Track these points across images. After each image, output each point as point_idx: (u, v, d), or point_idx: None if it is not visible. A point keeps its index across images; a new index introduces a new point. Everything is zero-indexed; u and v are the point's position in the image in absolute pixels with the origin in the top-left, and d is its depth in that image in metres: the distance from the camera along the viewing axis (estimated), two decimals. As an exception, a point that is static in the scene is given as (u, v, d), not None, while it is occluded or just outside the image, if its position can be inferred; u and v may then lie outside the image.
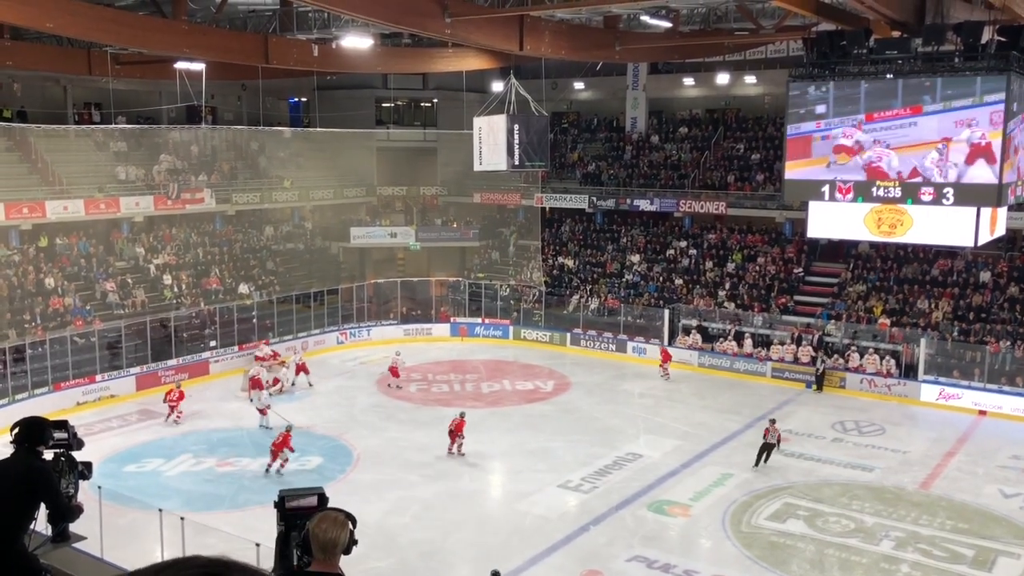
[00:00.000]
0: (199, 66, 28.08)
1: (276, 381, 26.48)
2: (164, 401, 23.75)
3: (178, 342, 28.50)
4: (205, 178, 35.95)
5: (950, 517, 17.72)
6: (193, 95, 29.06)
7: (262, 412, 23.39)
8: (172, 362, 27.85)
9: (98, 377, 25.93)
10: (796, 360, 28.39)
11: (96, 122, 34.64)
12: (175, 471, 20.36)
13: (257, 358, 27.93)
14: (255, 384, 24.81)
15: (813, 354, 28.05)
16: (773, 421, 21.10)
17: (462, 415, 21.39)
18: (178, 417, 23.52)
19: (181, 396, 23.79)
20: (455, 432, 21.09)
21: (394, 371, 27.42)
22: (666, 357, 28.63)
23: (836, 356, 28.04)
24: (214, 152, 38.04)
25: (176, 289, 32.01)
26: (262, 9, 25.56)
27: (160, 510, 14.27)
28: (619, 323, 32.53)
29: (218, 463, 20.78)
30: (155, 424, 23.71)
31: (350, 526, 3.71)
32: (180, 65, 27.82)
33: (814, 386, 27.29)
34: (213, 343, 29.47)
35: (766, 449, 20.53)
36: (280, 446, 19.83)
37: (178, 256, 33.65)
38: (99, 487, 14.70)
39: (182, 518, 13.84)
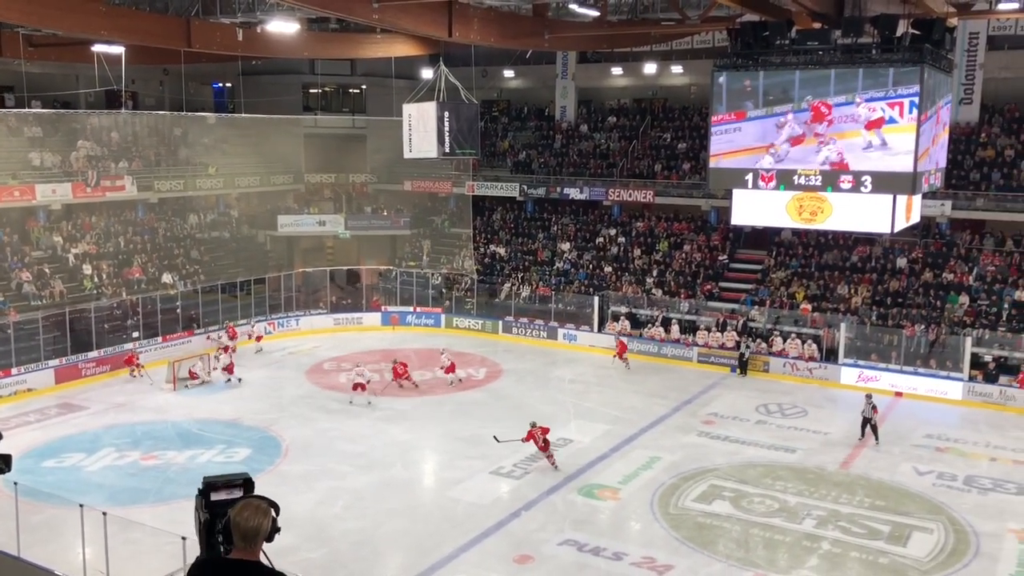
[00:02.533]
0: (118, 49, 27.23)
1: (193, 375, 26.19)
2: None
3: (99, 333, 27.71)
4: (126, 165, 34.94)
5: (868, 495, 18.35)
6: (112, 79, 28.17)
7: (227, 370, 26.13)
8: (93, 354, 27.07)
9: (13, 370, 25.05)
10: (722, 346, 28.99)
11: (9, 106, 33.32)
12: (97, 466, 19.82)
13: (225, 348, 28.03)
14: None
15: (737, 339, 28.69)
16: (869, 396, 22.04)
17: (533, 425, 19.66)
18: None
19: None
20: (544, 445, 19.44)
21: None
22: (623, 348, 28.43)
23: (760, 341, 28.73)
24: (135, 138, 36.97)
25: (96, 279, 31.11)
26: (184, -9, 24.91)
27: (81, 505, 13.86)
28: (550, 311, 32.76)
29: (142, 456, 20.31)
30: (76, 418, 23.05)
31: (272, 514, 3.69)
32: (98, 48, 26.94)
33: (738, 370, 27.91)
34: (136, 334, 28.72)
35: (867, 422, 21.52)
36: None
37: (98, 245, 32.68)
38: (15, 483, 14.26)
39: (104, 513, 13.47)
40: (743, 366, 27.93)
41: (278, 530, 3.73)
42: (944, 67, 16.81)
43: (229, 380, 26.16)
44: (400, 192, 40.95)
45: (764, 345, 28.53)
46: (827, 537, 16.32)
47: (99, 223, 33.57)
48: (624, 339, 29.13)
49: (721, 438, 21.94)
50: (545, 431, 19.53)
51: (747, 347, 28.17)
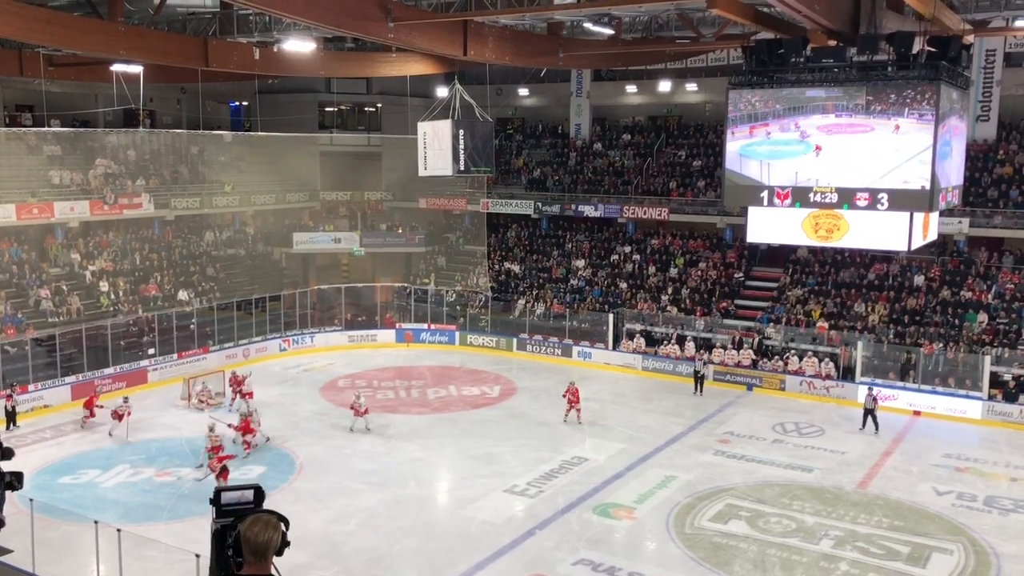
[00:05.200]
0: (137, 69, 27.49)
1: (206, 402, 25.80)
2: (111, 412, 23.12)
3: (115, 350, 27.83)
4: (143, 183, 35.22)
5: (886, 515, 18.14)
6: (131, 98, 28.49)
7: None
8: (109, 371, 27.18)
9: (31, 387, 25.18)
10: (738, 364, 28.80)
11: (28, 125, 33.70)
12: (112, 482, 19.85)
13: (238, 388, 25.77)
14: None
15: (698, 354, 28.86)
16: (870, 388, 24.62)
17: (573, 383, 24.09)
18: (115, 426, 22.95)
19: (128, 413, 23.17)
20: (574, 400, 23.70)
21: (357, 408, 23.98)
22: (575, 398, 24.43)
23: (776, 358, 28.55)
24: (153, 156, 37.28)
25: (113, 296, 31.29)
26: (202, 12, 25.10)
27: (96, 522, 13.88)
28: (564, 328, 32.68)
29: (157, 473, 20.33)
30: (91, 434, 23.12)
31: (282, 528, 3.68)
32: (117, 67, 27.20)
33: (697, 390, 27.46)
34: (152, 351, 28.83)
35: (868, 413, 23.58)
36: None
37: (115, 262, 32.89)
38: (31, 500, 14.31)
39: (119, 530, 13.48)
40: (699, 382, 27.56)
41: (288, 544, 3.73)
42: (961, 84, 16.73)
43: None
44: (415, 209, 41.07)
45: (780, 363, 28.34)
46: (845, 558, 16.12)
47: (116, 240, 33.81)
48: (576, 386, 24.70)
49: (737, 457, 21.76)
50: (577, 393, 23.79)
51: (704, 364, 28.14)
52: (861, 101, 15.73)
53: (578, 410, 24.20)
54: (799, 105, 16.45)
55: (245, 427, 21.51)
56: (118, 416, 22.95)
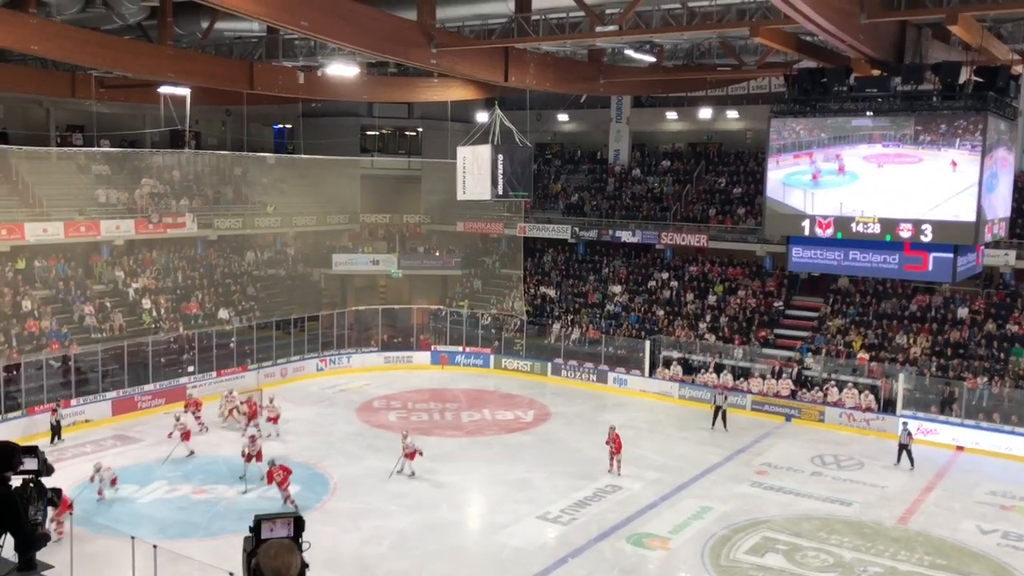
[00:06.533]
0: (184, 91, 28.07)
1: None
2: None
3: (155, 367, 28.22)
4: (187, 202, 35.84)
5: (928, 553, 17.71)
6: (177, 119, 29.04)
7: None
8: (149, 387, 27.55)
9: (73, 401, 25.59)
10: (776, 394, 28.44)
11: (78, 145, 34.51)
12: (149, 498, 20.06)
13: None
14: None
15: (720, 386, 28.12)
16: (905, 423, 24.33)
17: (614, 428, 22.36)
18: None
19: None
20: (616, 449, 22.06)
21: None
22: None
23: (815, 389, 28.15)
24: (197, 177, 37.94)
25: (155, 313, 31.76)
26: (248, 36, 25.60)
27: (132, 537, 14.02)
28: (600, 353, 32.53)
29: (193, 491, 20.50)
30: (130, 449, 23.41)
31: (299, 551, 3.70)
32: (164, 89, 27.80)
33: (721, 423, 26.47)
34: (191, 368, 29.19)
35: (903, 449, 23.32)
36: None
37: (158, 280, 33.42)
38: (70, 514, 14.49)
39: (155, 546, 13.60)
40: (721, 416, 26.51)
41: (307, 566, 3.74)
42: (1008, 115, 16.48)
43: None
44: (452, 233, 41.28)
45: (820, 394, 27.92)
46: (885, 596, 15.76)
47: (159, 259, 34.37)
48: (618, 432, 22.56)
49: (775, 489, 21.42)
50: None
51: (724, 398, 27.08)
52: (909, 131, 15.54)
53: (619, 461, 22.20)
54: (845, 134, 16.31)
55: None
56: (253, 411, 24.86)
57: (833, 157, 16.37)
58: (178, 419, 23.55)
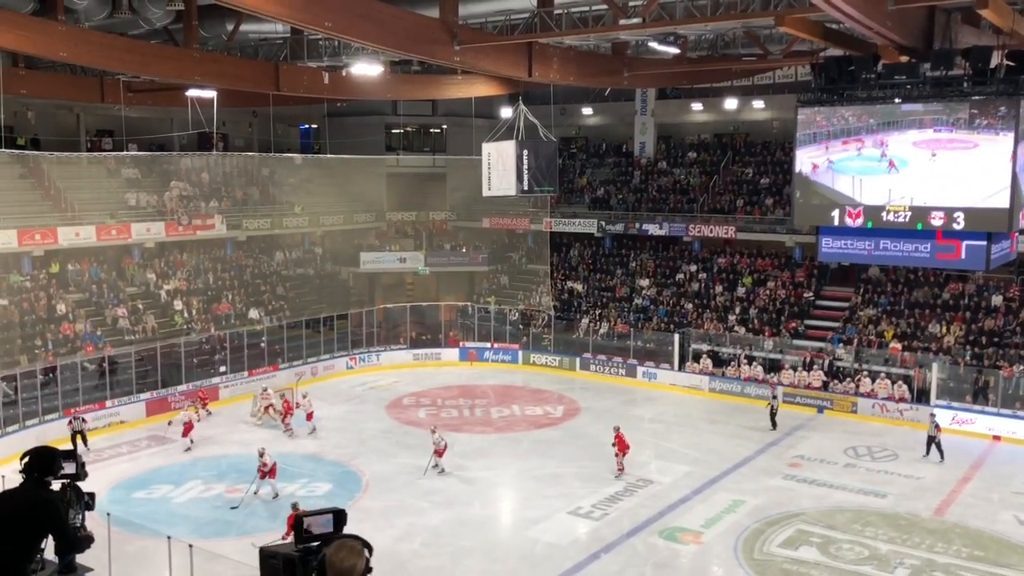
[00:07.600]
0: (210, 93, 28.32)
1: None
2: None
3: (188, 367, 28.53)
4: (216, 204, 36.18)
5: (965, 544, 17.49)
6: (204, 122, 29.30)
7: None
8: (182, 387, 27.86)
9: (108, 403, 25.95)
10: (808, 386, 28.19)
11: (108, 149, 34.96)
12: (184, 497, 20.30)
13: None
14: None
15: (772, 392, 26.99)
16: (932, 415, 23.61)
17: (618, 429, 21.76)
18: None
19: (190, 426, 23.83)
20: (621, 449, 21.41)
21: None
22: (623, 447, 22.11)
23: (847, 380, 27.87)
24: (225, 178, 38.28)
25: (187, 315, 32.11)
26: (273, 37, 25.80)
27: (169, 537, 14.20)
28: (629, 348, 32.42)
29: (227, 489, 20.71)
30: (165, 450, 23.70)
31: (366, 554, 3.74)
32: (192, 93, 28.07)
33: (771, 425, 25.81)
34: (223, 368, 29.49)
35: (931, 440, 22.77)
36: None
37: (189, 282, 33.78)
38: (108, 514, 14.69)
39: (191, 545, 13.77)
40: (771, 414, 25.97)
41: (370, 570, 3.77)
42: (1041, 99, 16.19)
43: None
44: (478, 229, 41.33)
45: (852, 385, 27.64)
46: (922, 588, 15.59)
47: (190, 260, 34.73)
48: (622, 432, 21.99)
49: (808, 481, 21.26)
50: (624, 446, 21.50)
51: (775, 397, 26.53)
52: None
53: (621, 466, 21.46)
54: (871, 121, 16.12)
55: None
56: (288, 408, 25.18)
57: (863, 146, 16.18)
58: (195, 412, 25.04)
